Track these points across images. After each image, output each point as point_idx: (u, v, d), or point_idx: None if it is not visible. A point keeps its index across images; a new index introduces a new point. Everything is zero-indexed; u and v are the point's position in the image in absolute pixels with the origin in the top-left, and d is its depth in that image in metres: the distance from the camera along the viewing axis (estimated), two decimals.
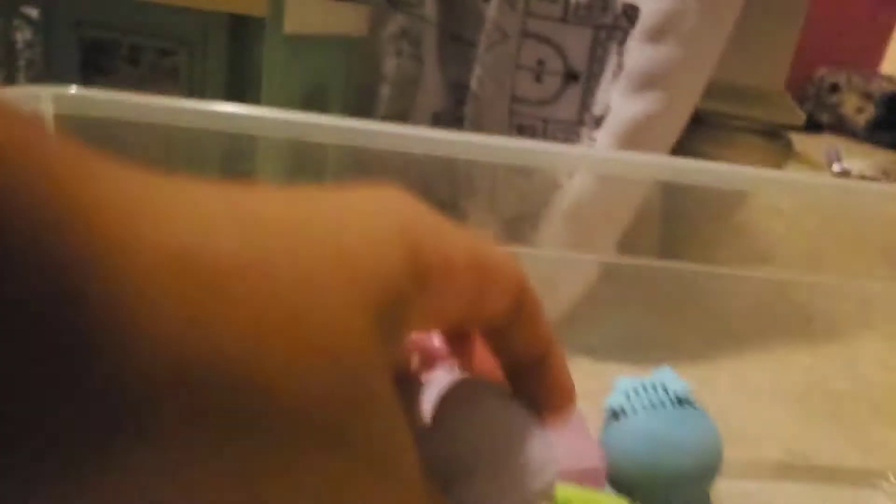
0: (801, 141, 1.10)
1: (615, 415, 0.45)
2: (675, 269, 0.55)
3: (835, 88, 2.14)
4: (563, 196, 0.60)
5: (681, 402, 0.44)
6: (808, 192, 0.50)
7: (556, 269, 0.60)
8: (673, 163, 0.46)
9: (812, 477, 0.53)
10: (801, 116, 0.79)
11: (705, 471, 0.44)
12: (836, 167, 1.64)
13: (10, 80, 0.84)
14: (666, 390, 0.44)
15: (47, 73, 0.65)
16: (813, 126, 1.96)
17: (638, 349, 0.55)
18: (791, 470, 0.54)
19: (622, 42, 0.63)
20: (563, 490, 0.41)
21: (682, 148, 0.63)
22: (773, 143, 0.75)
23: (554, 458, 0.19)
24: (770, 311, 0.69)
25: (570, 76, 0.69)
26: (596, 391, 0.45)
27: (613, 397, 0.45)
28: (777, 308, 0.69)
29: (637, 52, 0.60)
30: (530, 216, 0.64)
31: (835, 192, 0.49)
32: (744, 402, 0.59)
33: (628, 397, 0.45)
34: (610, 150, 0.54)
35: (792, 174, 0.72)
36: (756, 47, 0.74)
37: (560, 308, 0.60)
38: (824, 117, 2.13)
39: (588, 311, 0.60)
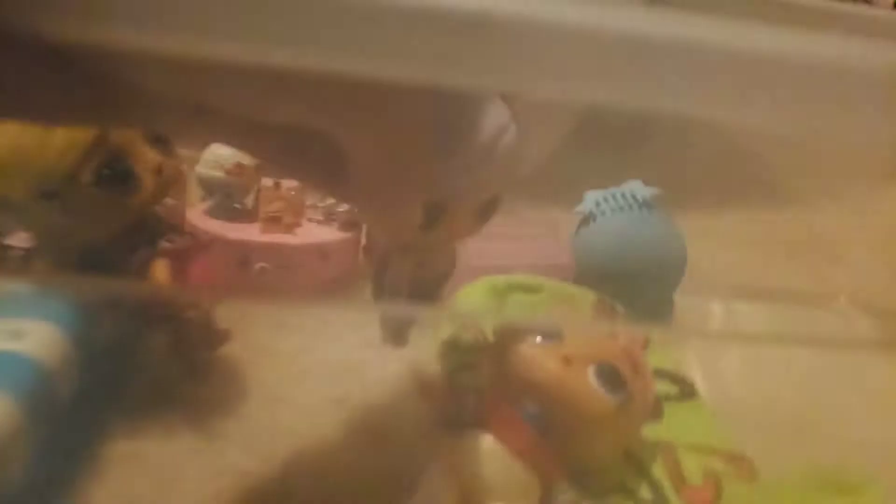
0: None
1: (585, 220, 0.47)
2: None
3: None
4: None
5: (648, 206, 0.47)
6: None
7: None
8: None
9: (768, 299, 0.56)
10: None
11: (669, 270, 0.47)
12: None
13: None
14: (634, 196, 0.47)
15: None
16: None
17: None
18: (749, 294, 0.57)
19: None
20: (535, 279, 0.44)
21: None
22: None
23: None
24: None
25: None
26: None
27: (584, 204, 0.48)
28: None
29: None
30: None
31: None
32: (704, 244, 0.62)
33: (598, 203, 0.47)
34: None
35: None
36: None
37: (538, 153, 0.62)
38: None
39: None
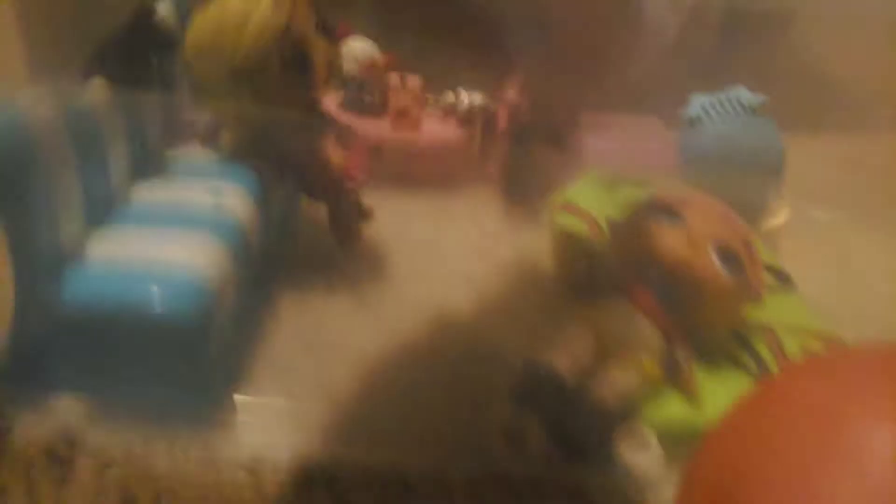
0: None
1: (691, 123, 0.50)
2: None
3: None
4: None
5: (752, 112, 0.48)
6: None
7: None
8: None
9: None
10: None
11: (769, 175, 0.49)
12: None
13: None
14: (740, 102, 0.49)
15: None
16: None
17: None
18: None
19: None
20: (643, 174, 0.47)
21: None
22: None
23: None
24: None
25: None
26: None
27: (690, 108, 0.50)
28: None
29: None
30: None
31: None
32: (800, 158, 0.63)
33: (704, 108, 0.49)
34: None
35: None
36: None
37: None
38: None
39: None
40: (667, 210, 0.34)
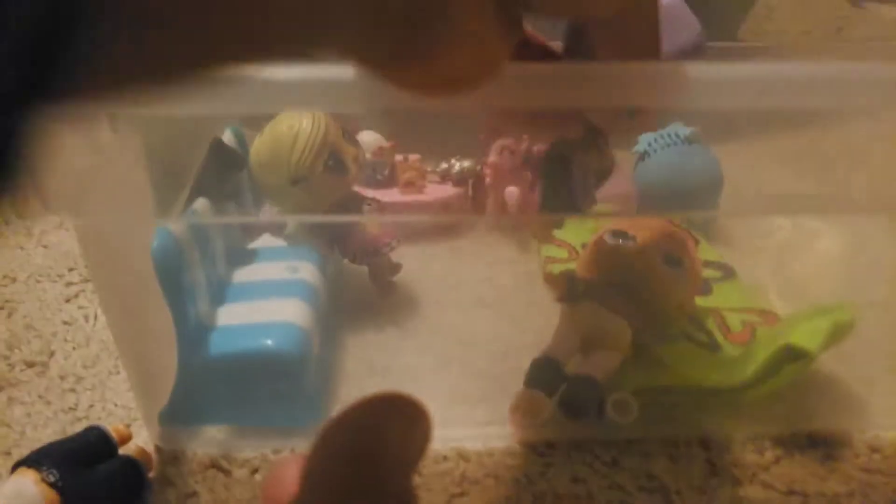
0: None
1: (641, 157, 0.62)
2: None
3: None
4: None
5: (690, 141, 0.61)
6: None
7: None
8: None
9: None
10: None
11: (710, 189, 0.61)
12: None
13: None
14: (678, 135, 0.61)
15: None
16: None
17: None
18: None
19: None
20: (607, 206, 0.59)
21: None
22: None
23: None
24: None
25: None
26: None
27: (638, 145, 0.62)
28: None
29: None
30: None
31: None
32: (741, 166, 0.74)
33: (649, 143, 0.61)
34: None
35: None
36: None
37: None
38: None
39: None
40: (622, 234, 0.46)
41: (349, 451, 0.21)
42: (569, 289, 0.45)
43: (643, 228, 0.47)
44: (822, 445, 0.42)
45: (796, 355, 0.40)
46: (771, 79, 0.25)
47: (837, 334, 0.40)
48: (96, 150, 0.34)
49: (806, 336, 0.40)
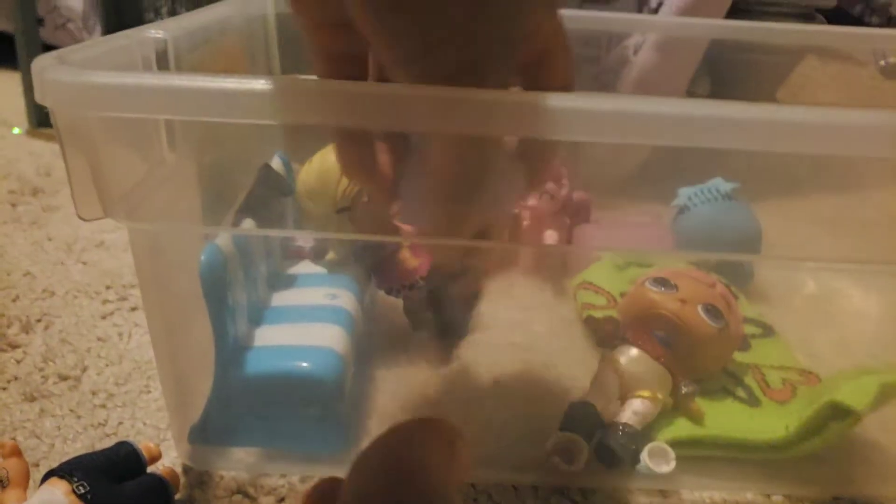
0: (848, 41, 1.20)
1: (681, 211, 0.62)
2: None
3: None
4: (631, 69, 0.76)
5: (728, 197, 0.60)
6: None
7: None
8: (726, 22, 0.62)
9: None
10: None
11: (748, 245, 0.60)
12: (882, 62, 1.72)
13: None
14: (718, 190, 0.61)
15: None
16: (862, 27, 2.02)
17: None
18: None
19: None
20: (646, 256, 0.58)
21: None
22: (807, 23, 0.89)
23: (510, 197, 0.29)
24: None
25: None
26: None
27: (678, 199, 0.62)
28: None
29: None
30: (604, 89, 0.80)
31: None
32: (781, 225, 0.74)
33: (689, 197, 0.61)
34: (670, 17, 0.69)
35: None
36: None
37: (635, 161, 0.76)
38: (874, 19, 2.19)
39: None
40: (664, 281, 0.45)
41: (387, 474, 0.21)
42: (610, 334, 0.44)
43: (685, 278, 0.46)
44: None
45: (842, 413, 0.39)
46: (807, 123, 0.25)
47: (886, 394, 0.39)
48: (155, 164, 0.35)
49: (852, 394, 0.39)
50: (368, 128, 0.27)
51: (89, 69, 0.26)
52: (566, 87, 0.28)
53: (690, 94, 0.79)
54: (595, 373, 0.42)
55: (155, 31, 0.36)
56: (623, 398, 0.41)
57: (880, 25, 2.11)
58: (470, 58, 0.23)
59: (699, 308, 0.44)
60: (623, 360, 0.42)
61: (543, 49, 0.27)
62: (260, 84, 0.24)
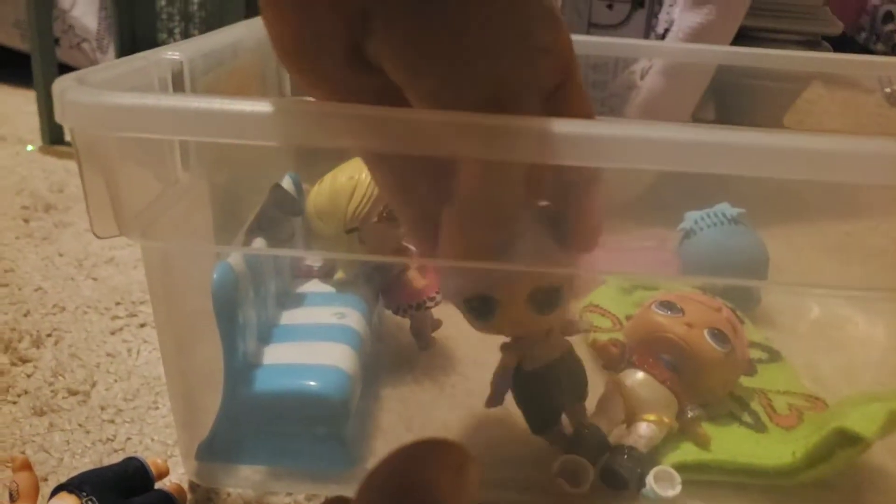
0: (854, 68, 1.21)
1: (687, 235, 0.62)
2: None
3: (889, 17, 2.20)
4: (638, 93, 0.76)
5: (735, 222, 0.61)
6: None
7: None
8: (732, 49, 0.62)
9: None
10: (839, 26, 0.92)
11: (756, 269, 0.61)
12: (887, 90, 1.73)
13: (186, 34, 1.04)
14: (724, 214, 0.61)
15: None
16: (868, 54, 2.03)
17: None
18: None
19: None
20: (652, 279, 0.59)
21: None
22: (813, 50, 0.89)
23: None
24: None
25: (637, 3, 0.85)
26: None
27: (684, 223, 0.62)
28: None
29: None
30: (611, 114, 0.81)
31: None
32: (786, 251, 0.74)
33: (695, 222, 0.62)
34: (677, 43, 0.70)
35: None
36: None
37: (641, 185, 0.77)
38: (879, 47, 2.20)
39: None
40: (670, 305, 0.45)
41: (396, 493, 0.21)
42: (616, 357, 0.44)
43: (691, 302, 0.47)
44: None
45: (850, 440, 0.39)
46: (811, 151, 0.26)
47: (894, 422, 0.39)
48: (169, 183, 0.35)
49: (860, 421, 0.39)
50: (377, 150, 0.28)
51: (108, 90, 0.26)
52: (587, 116, 0.29)
53: (697, 119, 0.80)
54: (601, 395, 0.42)
55: (171, 53, 0.37)
56: (629, 421, 0.42)
57: (885, 53, 2.12)
58: (495, 78, 0.23)
59: (705, 332, 0.44)
60: (629, 383, 0.42)
61: (560, 81, 0.27)
62: (271, 106, 0.25)
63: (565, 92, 0.28)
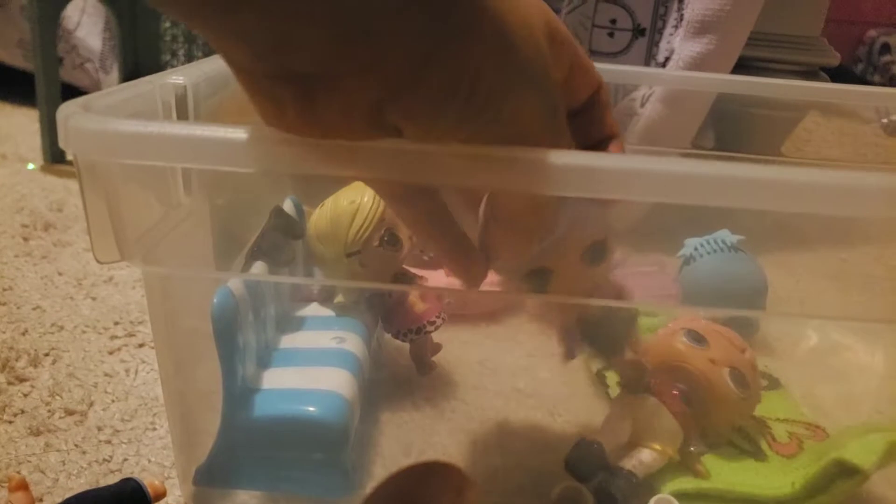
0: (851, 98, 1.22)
1: (686, 261, 0.62)
2: None
3: (886, 49, 2.22)
4: (638, 120, 0.77)
5: (735, 249, 0.61)
6: None
7: None
8: (732, 77, 0.63)
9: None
10: (836, 57, 0.93)
11: (753, 297, 0.61)
12: (884, 120, 1.74)
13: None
14: (724, 241, 0.61)
15: None
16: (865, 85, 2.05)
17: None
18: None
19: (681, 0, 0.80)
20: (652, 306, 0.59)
21: None
22: (810, 80, 0.90)
23: None
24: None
25: (638, 31, 0.86)
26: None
27: (684, 249, 0.62)
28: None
29: (696, 4, 0.76)
30: None
31: None
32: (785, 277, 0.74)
33: (695, 248, 0.62)
34: (677, 71, 0.71)
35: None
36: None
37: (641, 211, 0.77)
38: (876, 78, 2.22)
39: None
40: (696, 336, 0.45)
41: None
42: (636, 379, 0.44)
43: (717, 336, 0.46)
44: None
45: (848, 472, 0.38)
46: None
47: (893, 453, 0.39)
48: (171, 208, 0.36)
49: (859, 452, 0.39)
50: (377, 178, 0.28)
51: (112, 117, 0.26)
52: (613, 136, 0.31)
53: (696, 146, 0.81)
54: (609, 413, 0.42)
55: (176, 77, 0.37)
56: (632, 444, 0.41)
57: (882, 84, 2.14)
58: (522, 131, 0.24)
59: (726, 372, 0.43)
60: (641, 407, 0.42)
61: (588, 100, 0.29)
62: (271, 134, 0.25)
63: (590, 112, 0.30)
